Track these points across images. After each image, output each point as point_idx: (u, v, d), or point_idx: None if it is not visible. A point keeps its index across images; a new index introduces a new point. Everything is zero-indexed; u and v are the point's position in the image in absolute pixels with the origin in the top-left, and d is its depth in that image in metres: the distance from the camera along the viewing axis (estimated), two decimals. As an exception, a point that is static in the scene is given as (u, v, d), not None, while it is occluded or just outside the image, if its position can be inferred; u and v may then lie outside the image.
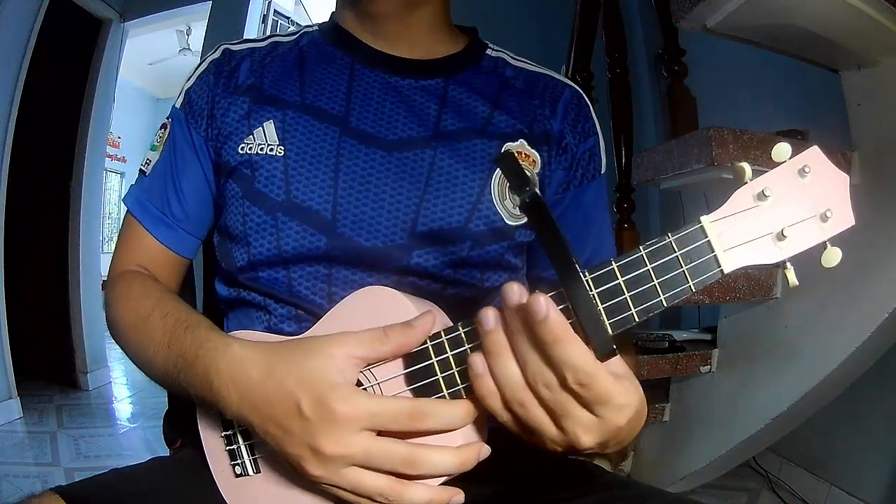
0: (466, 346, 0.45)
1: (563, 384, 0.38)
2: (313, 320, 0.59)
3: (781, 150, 0.39)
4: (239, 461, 0.54)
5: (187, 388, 0.52)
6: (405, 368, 0.47)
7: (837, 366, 1.16)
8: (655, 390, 1.59)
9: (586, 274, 0.39)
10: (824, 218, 0.39)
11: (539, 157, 0.65)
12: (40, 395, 2.97)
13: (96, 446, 2.36)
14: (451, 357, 0.45)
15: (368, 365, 0.48)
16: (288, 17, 4.78)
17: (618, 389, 0.39)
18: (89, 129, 3.16)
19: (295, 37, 0.70)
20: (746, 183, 0.40)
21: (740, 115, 2.07)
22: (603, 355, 0.38)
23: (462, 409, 0.45)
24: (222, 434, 0.56)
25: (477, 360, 0.41)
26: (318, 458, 0.45)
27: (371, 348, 0.46)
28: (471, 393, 0.44)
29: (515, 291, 0.38)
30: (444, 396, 0.46)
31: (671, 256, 0.39)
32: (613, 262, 0.40)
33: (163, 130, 0.68)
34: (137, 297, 0.61)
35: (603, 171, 0.70)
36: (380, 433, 0.45)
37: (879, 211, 1.12)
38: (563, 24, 2.23)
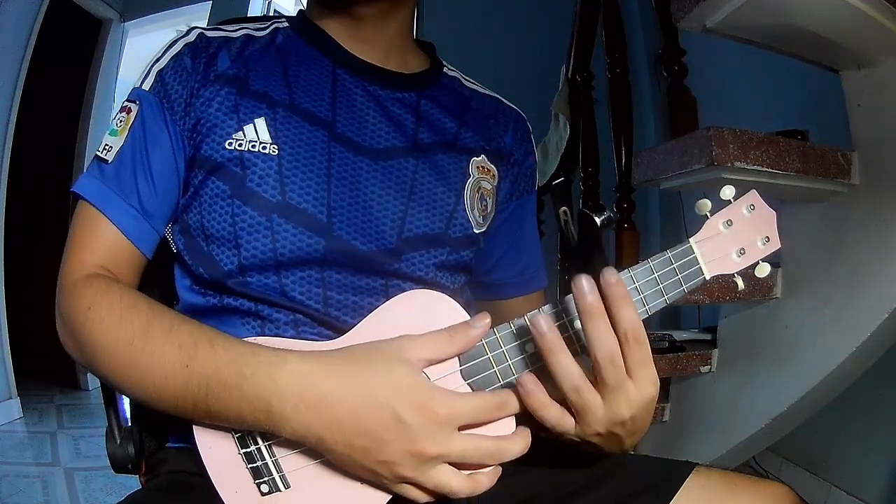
0: (519, 340, 0.52)
1: (623, 348, 0.47)
2: (312, 324, 0.59)
3: (727, 191, 0.54)
4: (267, 478, 0.51)
5: (221, 411, 0.48)
6: (461, 365, 0.52)
7: (837, 366, 1.16)
8: (655, 390, 1.59)
9: None
10: (764, 241, 0.55)
11: (497, 172, 0.71)
12: (40, 395, 2.97)
13: (96, 446, 2.36)
14: (505, 351, 0.52)
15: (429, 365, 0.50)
16: (288, 17, 4.77)
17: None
18: (89, 129, 3.16)
19: (267, 31, 0.68)
20: (707, 215, 0.54)
21: (740, 115, 2.07)
22: None
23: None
24: (241, 451, 0.51)
25: (527, 379, 0.48)
26: (415, 460, 0.46)
27: (440, 350, 0.49)
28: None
29: (585, 283, 0.46)
30: (500, 386, 0.51)
31: (670, 267, 0.53)
32: (630, 271, 0.52)
33: (125, 114, 0.61)
34: (125, 308, 0.53)
35: (536, 187, 0.79)
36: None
37: (879, 211, 1.12)
38: (563, 24, 2.23)
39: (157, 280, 0.68)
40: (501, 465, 0.50)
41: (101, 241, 0.59)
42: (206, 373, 0.48)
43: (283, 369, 0.47)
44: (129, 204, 0.59)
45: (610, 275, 0.46)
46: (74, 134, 3.17)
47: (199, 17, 3.29)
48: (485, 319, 0.50)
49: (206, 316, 0.62)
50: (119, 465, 0.67)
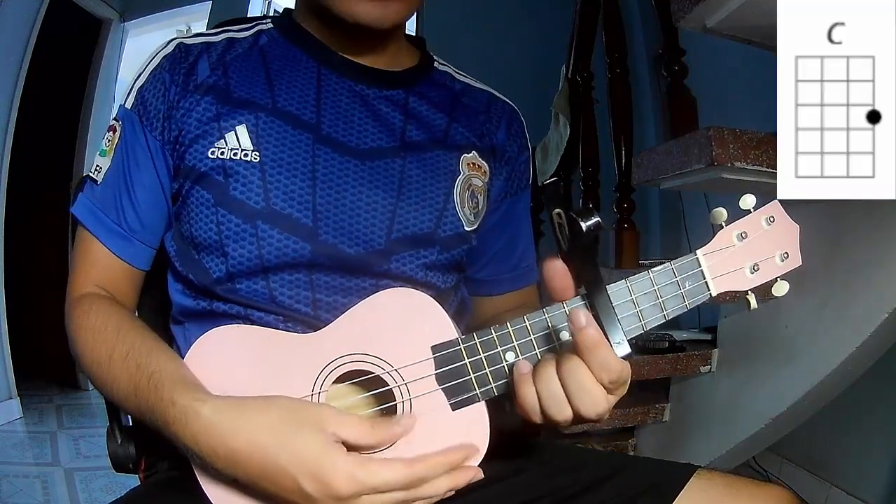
0: (499, 349, 0.50)
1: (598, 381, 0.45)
2: (298, 327, 0.59)
3: (748, 199, 0.49)
4: None
5: (166, 438, 0.51)
6: (436, 369, 0.51)
7: (837, 366, 1.16)
8: (655, 390, 1.59)
9: (608, 291, 0.47)
10: (783, 258, 0.51)
11: (489, 168, 0.70)
12: (40, 395, 2.97)
13: (96, 446, 2.36)
14: (483, 358, 0.50)
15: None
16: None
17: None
18: (89, 129, 3.16)
19: (250, 33, 0.67)
20: (722, 225, 0.49)
21: (740, 115, 2.07)
22: (622, 355, 0.46)
23: (448, 463, 0.49)
24: None
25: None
26: None
27: (356, 437, 0.48)
28: (502, 391, 0.50)
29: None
30: (475, 395, 0.50)
31: (672, 280, 0.49)
32: (627, 282, 0.48)
33: (112, 133, 0.63)
34: (97, 331, 0.57)
35: (530, 181, 0.76)
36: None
37: (879, 210, 1.12)
38: (563, 24, 2.23)
39: (156, 283, 0.68)
40: (502, 463, 0.50)
41: (95, 262, 0.63)
42: (146, 405, 0.51)
43: (198, 420, 0.48)
44: (116, 224, 0.62)
45: (578, 318, 0.44)
46: (74, 134, 3.16)
47: (199, 18, 3.29)
48: (409, 420, 0.50)
49: (197, 319, 0.63)
50: (120, 465, 0.68)
